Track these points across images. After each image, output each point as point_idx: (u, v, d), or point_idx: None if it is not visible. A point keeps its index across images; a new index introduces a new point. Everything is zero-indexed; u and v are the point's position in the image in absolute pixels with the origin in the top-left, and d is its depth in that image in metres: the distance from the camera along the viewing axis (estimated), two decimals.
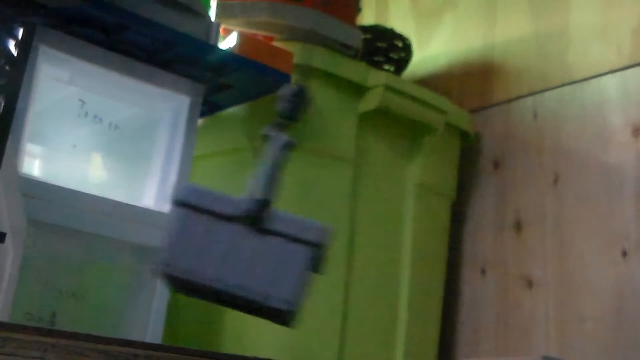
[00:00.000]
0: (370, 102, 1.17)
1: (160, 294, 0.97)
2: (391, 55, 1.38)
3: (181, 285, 0.69)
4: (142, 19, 0.94)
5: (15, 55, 0.84)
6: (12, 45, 0.85)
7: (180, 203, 0.69)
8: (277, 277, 0.64)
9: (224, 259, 0.66)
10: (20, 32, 0.85)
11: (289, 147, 0.74)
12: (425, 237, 1.26)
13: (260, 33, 1.16)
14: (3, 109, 0.80)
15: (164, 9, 0.96)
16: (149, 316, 0.96)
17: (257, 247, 0.66)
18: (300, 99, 0.75)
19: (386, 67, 1.37)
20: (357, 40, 1.20)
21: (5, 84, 0.82)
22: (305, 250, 0.64)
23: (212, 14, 1.12)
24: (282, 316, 0.69)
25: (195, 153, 1.05)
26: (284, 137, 0.74)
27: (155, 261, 0.68)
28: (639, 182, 1.15)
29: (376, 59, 1.36)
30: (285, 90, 0.75)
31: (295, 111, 0.75)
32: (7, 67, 0.83)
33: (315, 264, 0.66)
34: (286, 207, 1.10)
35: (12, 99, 0.81)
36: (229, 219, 0.67)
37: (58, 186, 0.92)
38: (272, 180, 0.69)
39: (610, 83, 1.22)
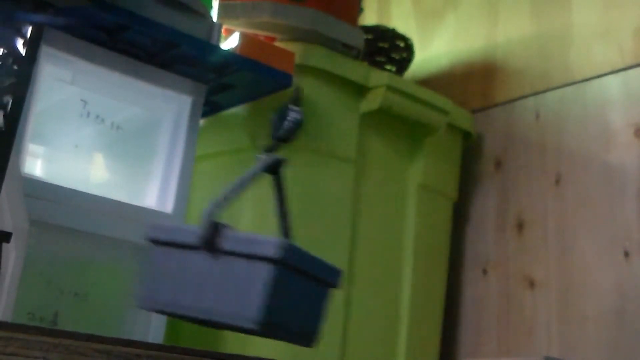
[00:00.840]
0: (372, 103, 1.18)
1: None
2: (393, 55, 1.38)
3: (164, 314, 0.73)
4: (144, 20, 0.94)
5: (24, 54, 0.84)
6: (20, 44, 0.85)
7: (151, 241, 0.72)
8: (241, 296, 0.65)
9: (193, 286, 0.68)
10: (29, 31, 0.85)
11: (272, 166, 0.75)
12: (427, 237, 1.26)
13: (262, 33, 1.16)
14: (11, 108, 0.80)
15: (166, 10, 0.96)
16: (150, 316, 0.97)
17: (219, 270, 0.67)
18: (291, 119, 0.76)
19: (388, 67, 1.37)
20: (358, 40, 1.20)
21: (14, 83, 0.82)
22: (262, 266, 0.65)
23: (214, 14, 1.12)
24: (295, 338, 0.72)
25: (197, 153, 1.05)
26: (266, 157, 0.74)
27: (134, 297, 0.71)
28: None
29: (378, 59, 1.36)
30: (275, 114, 0.77)
31: (285, 132, 0.76)
32: (15, 67, 0.83)
33: (279, 279, 0.66)
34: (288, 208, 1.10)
35: (20, 98, 0.81)
36: (193, 247, 0.68)
37: (60, 186, 0.92)
38: (224, 202, 0.70)
39: (612, 83, 1.22)
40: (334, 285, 0.73)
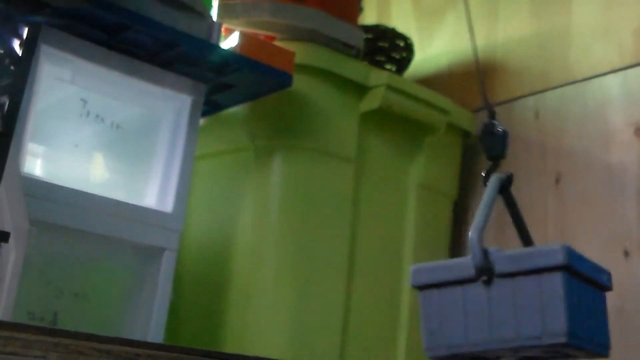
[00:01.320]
0: (371, 102, 1.17)
1: (161, 294, 0.97)
2: (393, 54, 1.38)
3: (461, 357, 0.70)
4: (144, 19, 0.94)
5: (20, 54, 0.84)
6: (16, 44, 0.85)
7: (418, 287, 0.70)
8: (539, 314, 0.63)
9: (482, 319, 0.66)
10: (25, 31, 0.85)
11: (503, 183, 0.75)
12: (427, 236, 1.26)
13: (262, 33, 1.16)
14: (8, 109, 0.80)
15: (166, 9, 0.96)
16: (150, 316, 0.97)
17: (502, 294, 0.65)
18: (501, 135, 0.77)
19: (388, 66, 1.37)
20: (358, 39, 1.20)
21: (10, 83, 0.82)
22: (553, 276, 0.63)
23: (214, 13, 1.12)
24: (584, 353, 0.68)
25: (197, 153, 1.05)
26: (496, 176, 0.75)
27: (425, 348, 0.69)
28: None
29: (378, 58, 1.36)
30: (485, 130, 0.77)
31: (502, 148, 0.77)
32: (12, 67, 0.83)
33: (573, 283, 0.64)
34: (287, 208, 1.10)
35: (17, 98, 0.81)
36: (467, 281, 0.67)
37: (60, 186, 0.92)
38: (484, 225, 0.69)
39: (612, 83, 1.22)
40: (609, 287, 0.71)
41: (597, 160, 1.21)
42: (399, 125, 1.23)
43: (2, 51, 0.84)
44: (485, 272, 0.66)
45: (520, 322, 0.64)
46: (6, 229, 0.77)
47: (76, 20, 0.92)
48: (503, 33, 1.42)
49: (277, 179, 1.12)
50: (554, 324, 0.62)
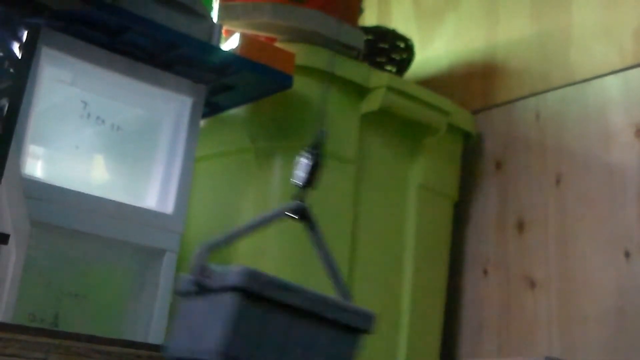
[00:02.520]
0: (372, 103, 1.18)
1: (162, 295, 0.97)
2: (393, 56, 1.38)
3: None
4: (145, 21, 0.94)
5: (20, 57, 0.84)
6: (16, 47, 0.85)
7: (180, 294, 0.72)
8: (206, 330, 0.65)
9: (186, 328, 0.68)
10: (25, 34, 0.85)
11: (293, 211, 0.76)
12: (427, 237, 1.26)
13: (262, 34, 1.16)
14: (7, 111, 0.80)
15: (167, 11, 0.96)
16: (151, 317, 0.96)
17: (202, 308, 0.67)
18: (317, 165, 0.77)
19: (388, 68, 1.37)
20: (359, 41, 1.20)
21: (10, 86, 0.82)
22: (225, 297, 0.65)
23: (215, 15, 1.12)
24: None
25: (197, 154, 1.05)
26: (293, 203, 0.75)
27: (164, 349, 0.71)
28: None
29: (378, 59, 1.36)
30: (298, 159, 0.77)
31: (308, 178, 0.77)
32: (12, 70, 0.83)
33: (254, 308, 0.65)
34: None
35: (17, 101, 0.82)
36: (189, 293, 0.69)
37: (60, 187, 0.92)
38: (224, 242, 0.70)
39: (613, 84, 1.22)
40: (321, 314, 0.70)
41: (597, 161, 1.21)
42: (400, 126, 1.23)
43: (1, 54, 0.85)
44: (197, 286, 0.67)
45: (196, 335, 0.66)
46: (7, 230, 0.77)
47: (76, 22, 0.92)
48: (504, 34, 1.42)
49: (277, 180, 1.12)
50: (209, 342, 0.63)
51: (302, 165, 0.77)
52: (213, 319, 0.65)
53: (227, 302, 0.64)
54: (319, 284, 1.10)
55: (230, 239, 0.70)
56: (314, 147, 0.77)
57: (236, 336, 0.63)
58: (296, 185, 0.77)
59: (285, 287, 0.68)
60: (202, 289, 0.67)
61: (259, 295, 0.65)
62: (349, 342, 0.71)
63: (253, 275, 0.64)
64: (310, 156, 0.77)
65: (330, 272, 0.78)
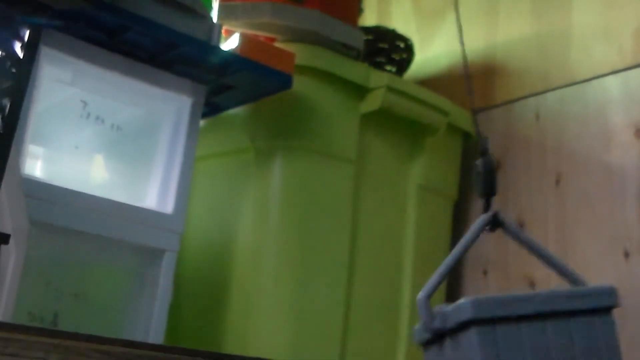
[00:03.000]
0: (372, 103, 1.18)
1: (162, 295, 0.97)
2: (393, 56, 1.38)
3: None
4: (144, 20, 0.94)
5: (22, 57, 0.84)
6: (18, 46, 0.85)
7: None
8: None
9: None
10: (27, 33, 0.85)
11: (487, 223, 0.75)
12: (427, 237, 1.26)
13: (262, 34, 1.16)
14: (9, 111, 0.80)
15: (166, 10, 0.96)
16: (151, 317, 0.97)
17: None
18: (490, 171, 0.77)
19: (388, 68, 1.37)
20: (359, 41, 1.20)
21: (11, 85, 0.82)
22: (466, 335, 0.64)
23: (214, 15, 1.12)
24: None
25: (197, 154, 1.05)
26: (483, 216, 0.75)
27: None
28: None
29: (378, 59, 1.36)
30: (477, 166, 0.77)
31: (490, 185, 0.76)
32: (13, 69, 0.83)
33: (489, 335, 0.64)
34: (288, 209, 1.10)
35: (18, 100, 0.81)
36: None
37: (60, 187, 0.92)
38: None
39: (612, 84, 1.22)
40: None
41: (597, 161, 1.21)
42: (399, 126, 1.23)
43: (3, 53, 0.84)
44: (432, 334, 0.68)
45: None
46: (6, 230, 0.77)
47: (76, 21, 0.92)
48: (503, 34, 1.42)
49: (277, 180, 1.12)
50: None
51: (478, 176, 0.75)
52: (465, 356, 0.64)
53: (471, 339, 0.63)
54: (321, 289, 1.10)
55: (441, 277, 0.70)
56: (482, 154, 0.76)
57: None
58: (481, 198, 0.75)
59: (512, 299, 0.66)
60: (437, 335, 0.67)
61: (493, 319, 0.64)
62: (603, 323, 0.68)
63: (479, 303, 0.64)
64: (482, 165, 0.75)
65: (552, 265, 0.76)
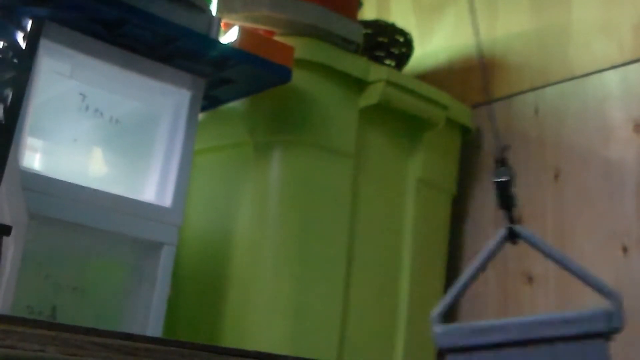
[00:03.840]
0: (371, 97, 1.17)
1: (160, 288, 0.97)
2: (392, 50, 1.38)
3: None
4: (143, 13, 0.94)
5: (24, 48, 0.84)
6: (20, 37, 0.85)
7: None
8: None
9: None
10: (29, 24, 0.85)
11: (505, 238, 0.73)
12: (425, 232, 1.26)
13: (261, 27, 1.16)
14: (11, 101, 0.80)
15: (165, 3, 0.96)
16: (149, 310, 0.97)
17: None
18: (508, 184, 0.73)
19: (387, 62, 1.37)
20: (358, 35, 1.20)
21: (14, 76, 0.82)
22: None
23: (213, 8, 1.12)
24: None
25: (196, 147, 1.05)
26: (500, 231, 0.73)
27: None
28: None
29: (377, 53, 1.36)
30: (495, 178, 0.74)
31: (510, 198, 0.73)
32: (15, 60, 0.83)
33: None
34: (286, 203, 1.10)
35: (20, 91, 0.81)
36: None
37: (59, 180, 0.92)
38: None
39: (612, 79, 1.22)
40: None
41: (596, 156, 1.21)
42: (398, 121, 1.23)
43: (5, 44, 0.84)
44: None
45: None
46: (5, 222, 0.76)
47: (75, 14, 0.92)
48: (503, 29, 1.42)
49: (276, 174, 1.12)
50: None
51: (497, 187, 0.73)
52: None
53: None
54: (319, 284, 1.10)
55: (457, 296, 0.70)
56: (501, 163, 0.74)
57: None
58: (502, 210, 0.73)
59: (484, 328, 0.66)
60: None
61: (462, 348, 0.66)
62: (595, 350, 0.66)
63: (449, 331, 0.64)
64: (500, 174, 0.73)
65: (582, 277, 0.70)
